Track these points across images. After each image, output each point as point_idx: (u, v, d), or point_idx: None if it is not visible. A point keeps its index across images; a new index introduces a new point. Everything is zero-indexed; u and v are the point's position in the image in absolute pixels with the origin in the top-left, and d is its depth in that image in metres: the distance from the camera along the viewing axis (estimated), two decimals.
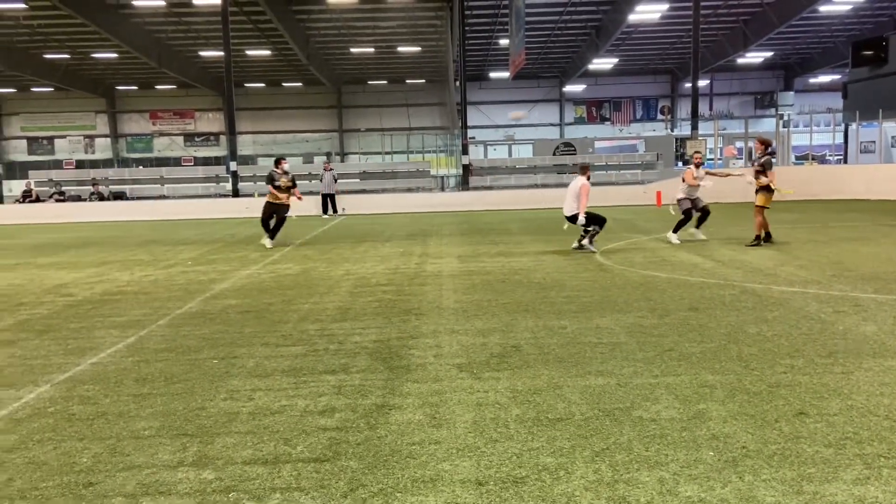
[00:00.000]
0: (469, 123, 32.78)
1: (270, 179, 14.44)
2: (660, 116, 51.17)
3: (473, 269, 10.66)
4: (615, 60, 44.04)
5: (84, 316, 7.82)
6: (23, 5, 29.90)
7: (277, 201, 14.38)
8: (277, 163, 14.65)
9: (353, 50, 40.26)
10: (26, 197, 28.53)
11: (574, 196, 12.20)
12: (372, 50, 40.20)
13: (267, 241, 14.37)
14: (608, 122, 51.30)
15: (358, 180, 31.37)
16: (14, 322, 7.56)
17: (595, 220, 12.25)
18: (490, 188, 29.76)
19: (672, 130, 43.59)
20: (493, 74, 47.20)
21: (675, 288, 8.51)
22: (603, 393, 4.75)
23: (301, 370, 5.51)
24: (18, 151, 48.68)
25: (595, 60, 41.97)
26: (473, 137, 39.63)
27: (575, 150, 33.11)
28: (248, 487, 3.48)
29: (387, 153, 38.92)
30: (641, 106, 51.49)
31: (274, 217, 14.48)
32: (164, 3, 30.52)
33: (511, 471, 3.58)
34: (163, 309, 8.10)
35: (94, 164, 41.95)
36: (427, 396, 4.79)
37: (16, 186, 30.28)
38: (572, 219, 12.26)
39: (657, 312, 7.19)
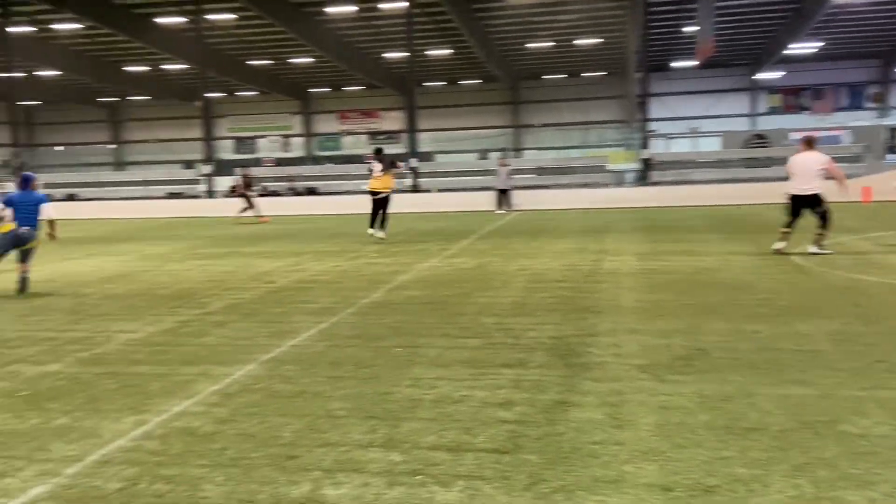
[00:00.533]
0: (650, 116, 31.68)
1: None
2: (868, 104, 46.49)
3: (654, 268, 10.31)
4: (817, 44, 40.53)
5: (283, 301, 8.47)
6: (232, 16, 32.84)
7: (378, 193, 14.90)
8: (379, 151, 15.36)
9: (530, 45, 40.28)
10: (233, 191, 31.40)
11: (813, 173, 10.66)
12: (550, 44, 39.99)
13: (379, 233, 15.06)
14: (807, 112, 47.38)
15: (533, 176, 31.38)
16: (224, 305, 8.34)
17: (826, 213, 10.74)
18: (672, 183, 28.58)
19: (883, 119, 39.42)
20: (675, 64, 45.25)
21: (887, 293, 7.72)
22: (802, 404, 4.41)
23: (479, 362, 5.62)
24: (226, 150, 53.58)
25: (793, 45, 38.91)
26: (654, 130, 38.23)
27: (768, 143, 30.92)
28: (432, 472, 3.60)
29: (562, 148, 38.59)
30: (847, 93, 47.04)
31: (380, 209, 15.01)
32: (354, 9, 32.24)
33: (700, 478, 3.43)
34: (351, 298, 8.58)
35: (290, 162, 45.33)
36: (606, 396, 4.70)
37: (223, 182, 33.38)
38: (808, 200, 10.69)
39: (865, 319, 6.56)
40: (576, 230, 16.95)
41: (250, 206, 23.04)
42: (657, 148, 38.29)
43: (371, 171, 15.17)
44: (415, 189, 29.20)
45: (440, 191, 29.73)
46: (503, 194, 25.28)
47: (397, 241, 15.22)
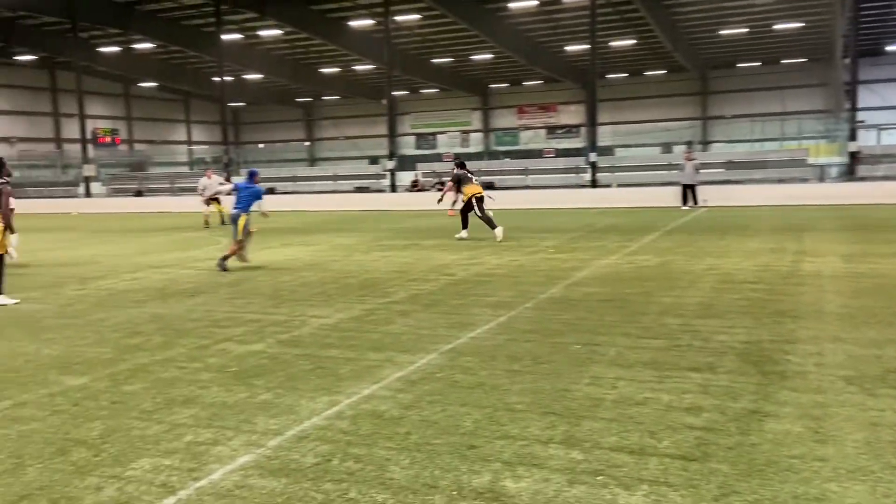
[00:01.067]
0: (859, 105, 28.86)
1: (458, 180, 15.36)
2: None
3: (863, 271, 9.40)
4: None
5: (463, 294, 8.67)
6: (417, 16, 34.01)
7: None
8: (462, 165, 15.63)
9: (722, 32, 38.08)
10: (414, 186, 32.59)
11: None
12: (744, 30, 37.56)
13: (463, 234, 15.42)
14: None
15: (722, 170, 29.67)
16: (407, 295, 8.68)
17: None
18: (884, 179, 25.85)
19: None
20: (890, 48, 40.80)
21: None
22: None
23: (663, 364, 5.42)
24: (408, 146, 55.69)
25: None
26: (863, 121, 34.75)
27: None
28: (615, 474, 3.53)
29: (756, 140, 36.12)
30: None
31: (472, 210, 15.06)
32: (536, 3, 32.21)
33: None
34: (529, 292, 8.60)
35: (467, 157, 46.11)
36: (808, 408, 4.36)
37: (405, 177, 34.72)
38: None
39: None
40: (770, 228, 15.83)
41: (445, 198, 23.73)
42: (866, 140, 34.76)
43: (470, 178, 15.39)
44: (593, 184, 28.67)
45: (620, 186, 28.95)
46: (689, 190, 24.16)
47: (575, 238, 15.03)
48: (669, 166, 29.23)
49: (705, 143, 47.16)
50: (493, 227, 14.74)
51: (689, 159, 24.68)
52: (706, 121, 48.75)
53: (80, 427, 4.40)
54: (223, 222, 20.49)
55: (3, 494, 3.49)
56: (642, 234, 15.12)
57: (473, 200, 15.03)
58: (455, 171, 15.69)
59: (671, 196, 24.66)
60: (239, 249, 11.28)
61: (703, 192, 24.39)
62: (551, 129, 51.71)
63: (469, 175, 15.36)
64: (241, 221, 11.25)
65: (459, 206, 15.92)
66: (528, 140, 51.55)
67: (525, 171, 33.80)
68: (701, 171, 25.08)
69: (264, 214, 12.17)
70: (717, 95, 48.80)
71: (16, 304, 8.72)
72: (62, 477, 3.67)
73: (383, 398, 4.79)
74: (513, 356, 5.76)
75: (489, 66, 46.81)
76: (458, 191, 15.57)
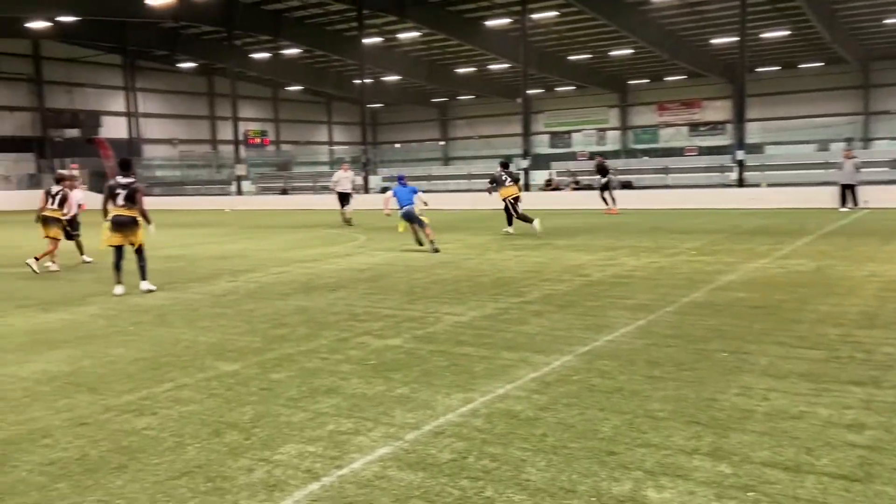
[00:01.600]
0: None
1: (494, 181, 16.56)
2: None
3: None
4: None
5: (598, 295, 8.49)
6: (555, 13, 33.68)
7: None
8: (505, 165, 16.83)
9: (887, 21, 35.09)
10: (548, 185, 32.33)
11: None
12: None
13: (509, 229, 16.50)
14: None
15: (886, 169, 27.34)
16: (541, 295, 8.61)
17: None
18: None
19: None
20: None
21: None
22: None
23: (821, 376, 5.05)
24: (542, 145, 55.31)
25: None
26: None
27: None
28: (768, 491, 3.32)
29: None
30: None
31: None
32: None
33: None
34: (669, 296, 8.29)
35: (604, 156, 45.18)
36: None
37: (539, 176, 34.48)
38: None
39: None
40: None
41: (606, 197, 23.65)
42: None
43: (504, 180, 16.36)
44: (740, 183, 27.24)
45: (770, 185, 27.32)
46: (848, 190, 22.42)
47: (719, 240, 14.35)
48: (826, 165, 27.23)
49: (867, 141, 43.60)
50: (529, 221, 15.91)
51: (849, 157, 22.90)
52: (868, 116, 45.10)
53: (233, 411, 4.67)
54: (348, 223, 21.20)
55: (168, 470, 3.77)
56: (795, 237, 14.21)
57: (508, 202, 16.26)
58: (496, 171, 16.97)
59: (828, 197, 23.01)
60: (430, 233, 13.54)
61: (864, 193, 22.58)
62: (694, 126, 49.66)
63: (504, 177, 16.41)
64: (416, 210, 13.69)
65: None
66: (668, 138, 49.81)
67: (665, 170, 32.64)
68: (862, 170, 23.19)
69: (425, 202, 14.17)
70: (880, 89, 45.09)
71: (154, 290, 9.55)
72: (217, 457, 3.91)
73: (518, 398, 4.77)
74: (653, 361, 5.56)
75: (628, 62, 45.64)
76: (494, 191, 16.77)
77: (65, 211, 12.42)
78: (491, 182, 16.87)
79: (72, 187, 13.03)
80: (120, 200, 9.45)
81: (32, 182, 42.18)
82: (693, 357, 5.66)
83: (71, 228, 12.94)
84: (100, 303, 8.91)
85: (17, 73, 42.74)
